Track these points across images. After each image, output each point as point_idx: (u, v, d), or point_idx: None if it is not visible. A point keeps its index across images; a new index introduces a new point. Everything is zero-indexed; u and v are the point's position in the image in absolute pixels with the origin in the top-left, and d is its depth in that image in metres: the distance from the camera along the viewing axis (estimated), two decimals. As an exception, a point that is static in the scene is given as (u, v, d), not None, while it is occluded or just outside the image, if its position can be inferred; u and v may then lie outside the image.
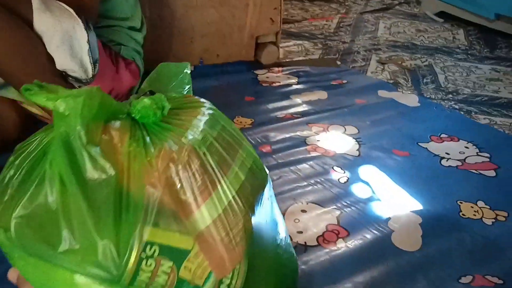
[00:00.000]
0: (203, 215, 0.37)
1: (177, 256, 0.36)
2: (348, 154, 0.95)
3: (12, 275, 0.39)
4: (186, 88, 0.46)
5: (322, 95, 1.22)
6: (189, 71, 0.47)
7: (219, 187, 0.38)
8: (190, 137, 0.38)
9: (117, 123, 0.37)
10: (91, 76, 0.80)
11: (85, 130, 0.34)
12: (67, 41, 0.75)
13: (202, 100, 0.44)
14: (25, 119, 0.93)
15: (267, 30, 1.35)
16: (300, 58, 1.48)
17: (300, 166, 0.91)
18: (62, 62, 0.76)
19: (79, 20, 0.75)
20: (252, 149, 0.45)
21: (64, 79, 0.80)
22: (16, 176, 0.37)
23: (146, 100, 0.38)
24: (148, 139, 0.37)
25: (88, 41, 0.76)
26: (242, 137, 0.44)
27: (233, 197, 0.39)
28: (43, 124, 0.96)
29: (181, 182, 0.37)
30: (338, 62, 1.45)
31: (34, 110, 0.89)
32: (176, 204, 0.36)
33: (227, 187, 0.39)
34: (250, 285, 0.41)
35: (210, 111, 0.42)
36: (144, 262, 0.35)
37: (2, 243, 0.36)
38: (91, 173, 0.34)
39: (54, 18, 0.72)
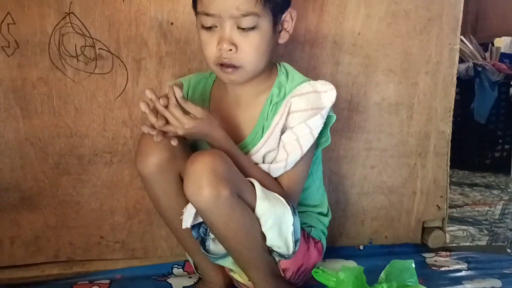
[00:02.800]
0: None
1: None
2: None
3: None
4: (413, 279, 0.66)
5: (496, 283, 1.22)
6: (413, 266, 0.66)
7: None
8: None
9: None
10: (291, 253, 0.97)
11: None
12: (277, 223, 0.94)
13: None
14: (228, 285, 1.11)
15: (433, 216, 1.44)
16: (467, 244, 1.51)
17: None
18: (272, 239, 0.95)
19: (289, 207, 0.94)
20: None
21: (270, 253, 0.97)
22: None
23: (384, 284, 0.57)
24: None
25: (293, 224, 0.95)
26: None
27: None
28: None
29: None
30: (509, 250, 1.45)
31: (239, 279, 1.07)
32: None
33: None
34: None
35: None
36: None
37: None
38: None
39: (271, 206, 0.93)
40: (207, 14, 0.93)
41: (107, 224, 1.24)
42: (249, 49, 0.94)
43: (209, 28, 0.95)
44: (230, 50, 0.93)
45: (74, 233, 1.23)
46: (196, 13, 0.98)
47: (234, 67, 0.96)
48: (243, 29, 0.93)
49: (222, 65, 0.96)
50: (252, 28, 0.93)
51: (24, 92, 1.14)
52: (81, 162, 1.20)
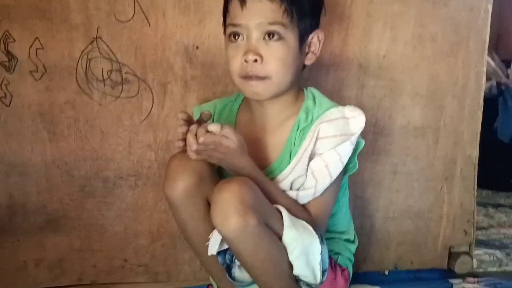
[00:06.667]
0: None
1: None
2: None
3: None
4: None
5: (527, 312, 1.19)
6: None
7: None
8: None
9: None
10: (319, 282, 0.95)
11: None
12: (305, 252, 0.93)
13: None
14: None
15: (460, 241, 1.41)
16: (494, 269, 1.48)
17: None
18: (299, 269, 0.93)
19: (316, 236, 0.93)
20: None
21: (296, 282, 0.96)
22: None
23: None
24: None
25: (321, 253, 0.93)
26: None
27: None
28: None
29: None
30: (539, 277, 1.41)
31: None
32: None
33: None
34: None
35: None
36: None
37: None
38: None
39: (298, 234, 0.92)
40: (235, 25, 0.95)
41: (131, 247, 1.24)
42: (274, 60, 0.95)
43: (235, 41, 0.96)
44: (255, 61, 0.94)
45: (98, 256, 1.23)
46: (225, 28, 0.99)
47: (259, 78, 0.96)
48: (269, 39, 0.94)
49: (246, 77, 0.96)
50: (278, 39, 0.94)
51: (52, 116, 1.15)
52: (106, 185, 1.20)
